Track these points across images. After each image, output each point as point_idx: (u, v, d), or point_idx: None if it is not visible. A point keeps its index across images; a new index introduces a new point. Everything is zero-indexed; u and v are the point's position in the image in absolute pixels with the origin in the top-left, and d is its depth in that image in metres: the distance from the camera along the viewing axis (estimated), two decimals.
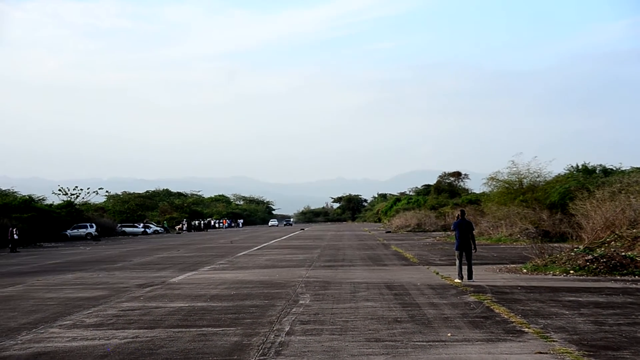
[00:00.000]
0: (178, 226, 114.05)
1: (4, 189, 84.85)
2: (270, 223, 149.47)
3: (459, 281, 21.59)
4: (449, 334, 12.82)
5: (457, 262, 22.18)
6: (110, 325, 14.79)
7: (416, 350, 11.48)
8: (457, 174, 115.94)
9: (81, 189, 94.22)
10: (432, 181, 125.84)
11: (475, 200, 76.48)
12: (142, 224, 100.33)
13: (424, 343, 12.08)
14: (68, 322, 15.42)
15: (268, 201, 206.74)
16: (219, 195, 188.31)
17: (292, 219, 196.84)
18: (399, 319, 14.56)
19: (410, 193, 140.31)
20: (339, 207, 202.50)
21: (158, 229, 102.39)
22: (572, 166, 60.97)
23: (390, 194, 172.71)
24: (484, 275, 23.74)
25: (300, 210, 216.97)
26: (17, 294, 21.55)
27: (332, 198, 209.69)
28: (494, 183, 58.59)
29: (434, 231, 72.35)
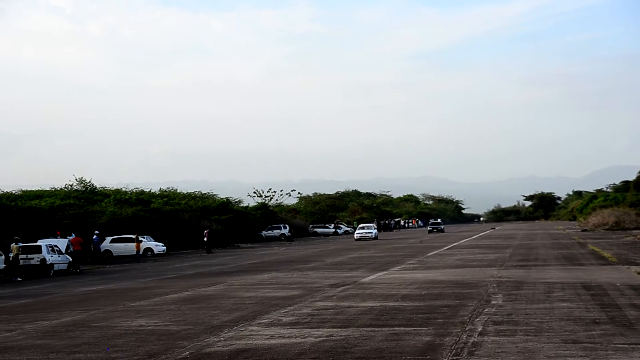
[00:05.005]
0: None
1: (204, 192, 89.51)
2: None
3: None
4: None
5: None
6: (306, 323, 15.22)
7: (617, 353, 11.00)
8: None
9: (274, 191, 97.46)
10: (631, 177, 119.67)
11: None
12: (333, 225, 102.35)
13: (626, 345, 11.55)
14: (266, 320, 16.03)
15: (457, 200, 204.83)
16: (408, 195, 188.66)
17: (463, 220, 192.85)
18: (597, 320, 14.01)
19: (608, 190, 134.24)
20: (530, 206, 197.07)
21: (348, 229, 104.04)
22: None
23: (585, 192, 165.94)
24: None
25: (491, 209, 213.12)
26: (218, 293, 22.66)
27: (524, 196, 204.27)
28: None
29: (634, 229, 68.80)
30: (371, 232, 73.85)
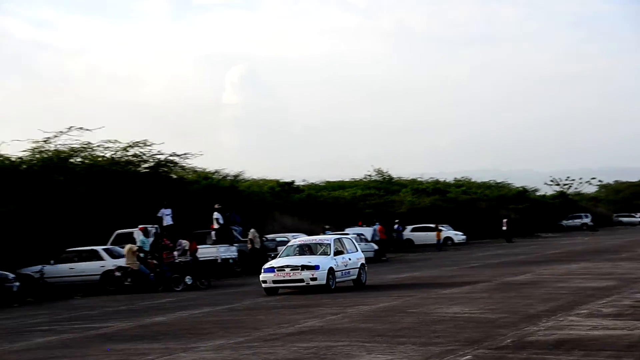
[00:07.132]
0: None
1: (498, 181, 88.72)
2: None
3: None
4: None
5: None
6: (629, 315, 14.57)
7: None
8: None
9: (572, 180, 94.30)
10: None
11: None
12: (638, 214, 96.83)
13: None
14: (584, 311, 15.55)
15: None
16: None
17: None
18: None
19: None
20: None
21: None
22: None
23: None
24: None
25: None
26: (528, 282, 22.42)
27: None
28: None
29: None
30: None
